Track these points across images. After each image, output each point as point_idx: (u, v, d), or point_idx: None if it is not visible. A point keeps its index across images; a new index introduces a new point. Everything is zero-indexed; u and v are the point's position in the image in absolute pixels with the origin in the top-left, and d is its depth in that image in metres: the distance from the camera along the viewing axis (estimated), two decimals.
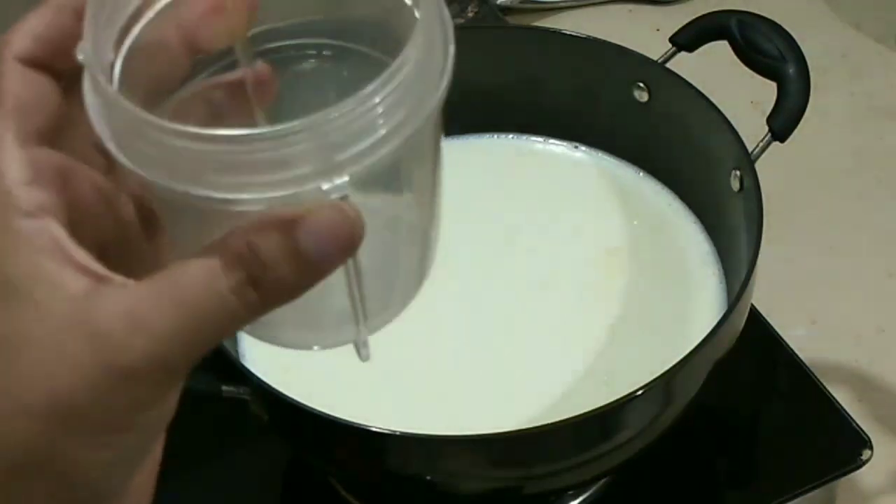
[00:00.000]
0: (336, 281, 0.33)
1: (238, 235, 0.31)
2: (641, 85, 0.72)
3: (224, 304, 0.31)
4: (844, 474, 0.68)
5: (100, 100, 0.32)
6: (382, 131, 0.31)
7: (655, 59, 0.71)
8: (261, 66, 0.36)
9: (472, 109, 0.74)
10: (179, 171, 0.30)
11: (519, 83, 0.76)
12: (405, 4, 0.34)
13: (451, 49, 0.33)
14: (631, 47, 0.72)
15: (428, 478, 0.59)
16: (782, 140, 0.66)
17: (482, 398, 0.64)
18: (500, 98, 0.76)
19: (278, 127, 0.30)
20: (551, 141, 0.78)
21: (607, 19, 1.01)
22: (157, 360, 0.31)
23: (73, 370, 0.31)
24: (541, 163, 0.77)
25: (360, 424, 0.55)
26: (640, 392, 0.55)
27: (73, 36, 0.33)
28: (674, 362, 0.56)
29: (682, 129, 0.71)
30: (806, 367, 0.73)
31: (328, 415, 0.55)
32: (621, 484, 0.68)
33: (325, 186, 0.30)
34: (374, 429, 0.55)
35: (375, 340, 0.37)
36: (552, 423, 0.55)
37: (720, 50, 0.69)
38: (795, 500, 0.67)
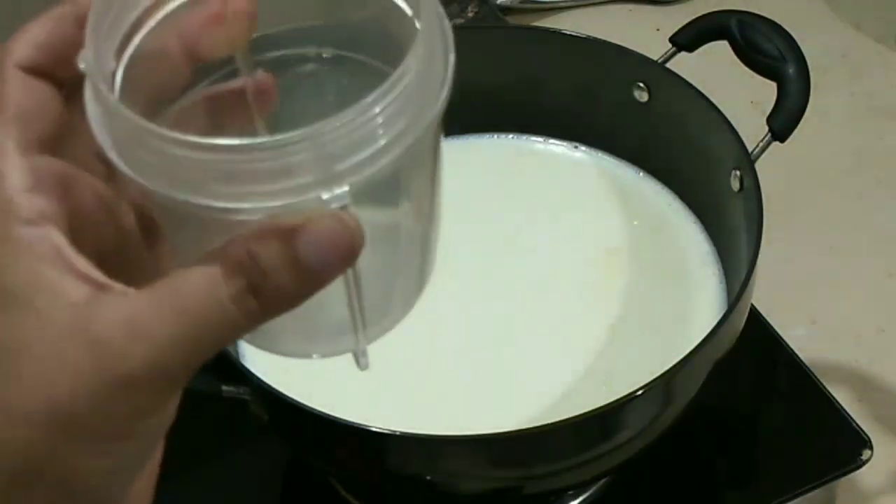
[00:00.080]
0: (335, 290, 0.33)
1: (238, 244, 0.31)
2: (641, 85, 0.72)
3: (224, 312, 0.31)
4: (844, 474, 0.68)
5: (101, 108, 0.32)
6: (382, 141, 0.31)
7: (655, 59, 0.71)
8: (261, 75, 0.36)
9: (472, 109, 0.74)
10: (180, 179, 0.30)
11: (519, 83, 0.76)
12: (406, 14, 0.34)
13: (452, 59, 0.33)
14: (631, 47, 0.72)
15: (428, 478, 0.59)
16: (782, 140, 0.66)
17: (482, 398, 0.64)
18: (500, 98, 0.76)
19: (278, 137, 0.30)
20: (551, 141, 0.78)
21: (607, 19, 1.01)
22: (156, 368, 0.31)
23: (74, 378, 0.31)
24: (541, 163, 0.77)
25: (360, 424, 0.55)
26: (640, 392, 0.55)
27: (75, 44, 0.33)
28: (674, 362, 0.56)
29: (682, 129, 0.71)
30: (806, 367, 0.73)
31: (328, 415, 0.55)
32: (621, 484, 0.68)
33: (325, 196, 0.30)
34: (374, 429, 0.55)
35: (376, 340, 0.37)
36: (552, 423, 0.55)
37: (720, 50, 0.69)
38: (795, 500, 0.67)
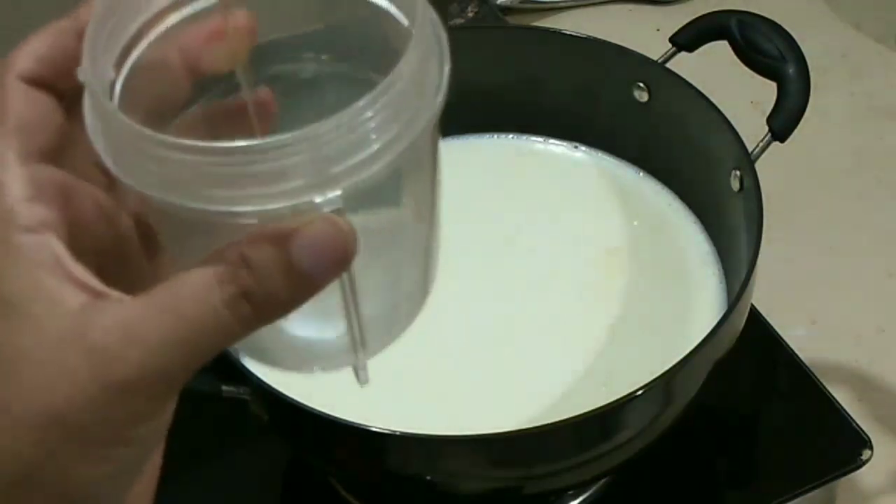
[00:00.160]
0: (333, 303, 0.33)
1: (232, 249, 0.31)
2: (641, 85, 0.72)
3: (217, 317, 0.31)
4: (844, 474, 0.68)
5: (97, 115, 0.32)
6: (376, 146, 0.31)
7: (655, 59, 0.71)
8: (262, 91, 0.36)
9: (472, 109, 0.74)
10: (174, 184, 0.31)
11: (519, 83, 0.76)
12: (403, 25, 0.34)
13: (447, 69, 0.33)
14: (631, 47, 0.72)
15: (428, 478, 0.59)
16: (782, 140, 0.66)
17: (482, 398, 0.64)
18: (500, 98, 0.76)
19: (270, 139, 0.30)
20: (551, 141, 0.78)
21: (607, 19, 1.01)
22: (152, 373, 0.31)
23: (71, 385, 0.31)
24: (541, 163, 0.77)
25: (360, 424, 0.55)
26: (640, 392, 0.55)
27: (75, 57, 0.33)
28: (674, 362, 0.56)
29: (682, 129, 0.71)
30: (806, 367, 0.73)
31: (328, 415, 0.55)
32: (621, 484, 0.68)
33: (318, 199, 0.30)
34: (374, 429, 0.55)
35: (376, 354, 0.37)
36: (552, 423, 0.55)
37: (720, 50, 0.69)
38: (795, 500, 0.67)
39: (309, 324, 0.33)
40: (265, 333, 0.35)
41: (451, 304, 0.68)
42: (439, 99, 0.32)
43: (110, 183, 0.35)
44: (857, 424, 0.70)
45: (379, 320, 0.36)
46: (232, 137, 0.36)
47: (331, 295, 0.33)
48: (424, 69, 0.32)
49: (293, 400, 0.56)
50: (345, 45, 0.36)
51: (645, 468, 0.64)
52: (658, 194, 0.74)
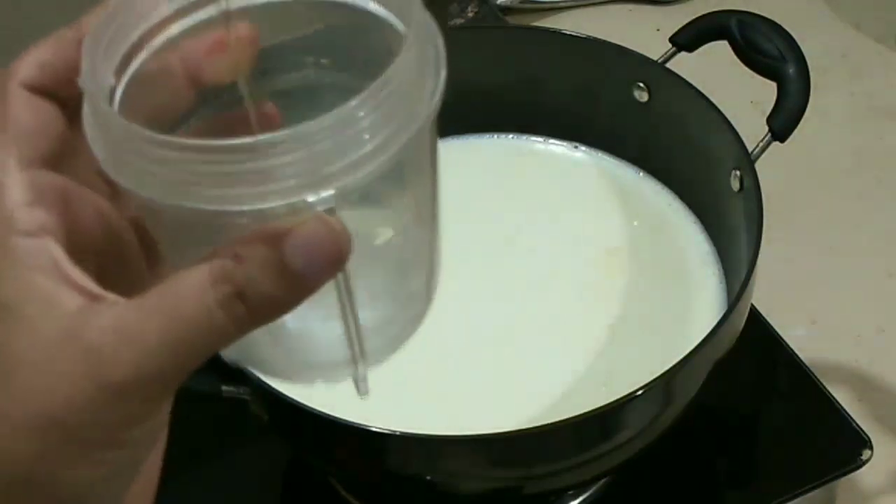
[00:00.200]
0: (331, 310, 0.33)
1: (226, 249, 0.31)
2: (641, 85, 0.72)
3: (212, 317, 0.31)
4: (844, 474, 0.68)
5: (93, 115, 0.32)
6: (369, 146, 0.30)
7: (655, 59, 0.71)
8: (268, 105, 0.36)
9: (472, 109, 0.74)
10: (169, 184, 0.30)
11: (519, 83, 0.76)
12: (403, 34, 0.34)
13: (443, 74, 0.33)
14: (631, 47, 0.72)
15: (428, 478, 0.59)
16: (782, 140, 0.66)
17: (482, 398, 0.64)
18: (500, 98, 0.76)
19: (262, 137, 0.30)
20: (551, 141, 0.78)
21: (607, 19, 1.01)
22: (146, 374, 0.31)
23: (66, 387, 0.31)
24: (541, 163, 0.77)
25: (360, 424, 0.55)
26: (639, 392, 0.55)
27: (78, 67, 0.33)
28: (674, 362, 0.56)
29: (682, 129, 0.71)
30: (806, 367, 0.73)
31: (328, 415, 0.55)
32: (621, 484, 0.68)
33: (311, 198, 0.30)
34: (374, 429, 0.55)
35: (377, 365, 0.37)
36: (552, 423, 0.55)
37: (720, 50, 0.69)
38: (795, 500, 0.67)
39: (307, 332, 0.33)
40: (264, 343, 0.35)
41: (451, 304, 0.67)
42: (435, 101, 0.32)
43: (112, 192, 0.35)
44: (857, 424, 0.70)
45: (379, 330, 0.36)
46: None
47: (328, 301, 0.33)
48: (420, 70, 0.32)
49: (293, 400, 0.56)
50: (347, 56, 0.36)
51: (645, 468, 0.64)
52: (658, 194, 0.74)
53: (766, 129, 0.66)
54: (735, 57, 0.68)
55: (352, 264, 0.32)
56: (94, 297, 0.32)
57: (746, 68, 0.68)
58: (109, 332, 0.31)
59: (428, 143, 0.33)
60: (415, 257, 0.36)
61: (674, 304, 0.68)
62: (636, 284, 0.70)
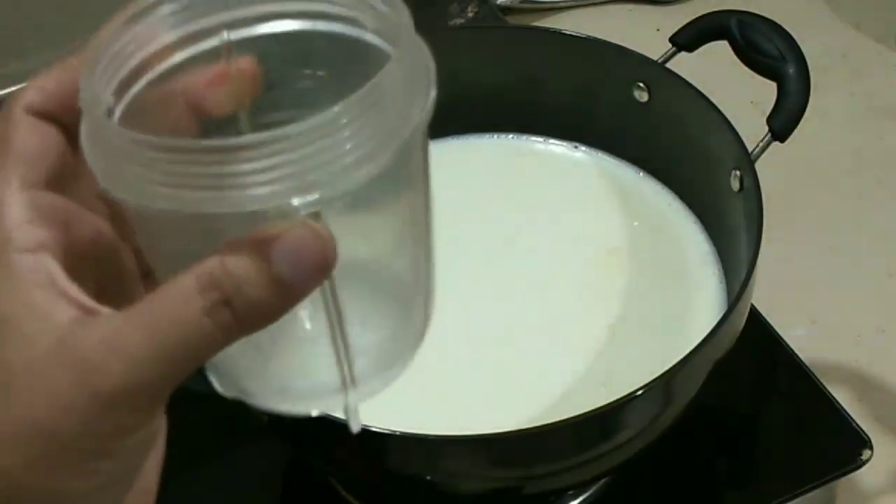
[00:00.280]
0: (321, 328, 0.33)
1: (212, 257, 0.31)
2: (641, 85, 0.72)
3: (199, 325, 0.31)
4: (844, 474, 0.68)
5: (88, 128, 0.32)
6: (353, 155, 0.30)
7: (655, 59, 0.71)
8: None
9: (472, 109, 0.74)
10: (156, 185, 0.30)
11: (519, 83, 0.76)
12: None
13: (432, 94, 0.33)
14: (631, 47, 0.72)
15: (428, 478, 0.59)
16: (782, 140, 0.66)
17: (482, 398, 0.64)
18: (500, 98, 0.76)
19: (243, 137, 0.30)
20: (551, 141, 0.78)
21: (607, 19, 1.01)
22: (135, 384, 0.31)
23: (58, 399, 0.31)
24: (541, 163, 0.77)
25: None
26: (639, 392, 0.55)
27: None
28: (674, 362, 0.56)
29: (682, 129, 0.71)
30: (806, 367, 0.73)
31: (328, 415, 0.55)
32: (621, 484, 0.68)
33: (296, 202, 0.30)
34: (374, 429, 0.55)
35: (369, 397, 0.36)
36: (552, 423, 0.55)
37: (720, 50, 0.69)
38: (795, 500, 0.67)
39: (297, 352, 0.33)
40: (253, 370, 0.35)
41: (450, 304, 0.67)
42: (423, 117, 0.32)
43: (112, 213, 0.36)
44: (857, 424, 0.70)
45: (371, 356, 0.35)
46: None
47: (317, 322, 0.33)
48: (407, 86, 0.32)
49: None
50: (349, 88, 0.36)
51: (645, 468, 0.64)
52: (658, 194, 0.74)
53: (766, 129, 0.66)
54: (735, 57, 0.68)
55: (339, 275, 0.32)
56: (88, 311, 0.32)
57: (746, 68, 0.68)
58: (99, 342, 0.31)
59: (418, 159, 0.33)
60: (405, 275, 0.36)
61: (674, 304, 0.68)
62: (636, 284, 0.70)
